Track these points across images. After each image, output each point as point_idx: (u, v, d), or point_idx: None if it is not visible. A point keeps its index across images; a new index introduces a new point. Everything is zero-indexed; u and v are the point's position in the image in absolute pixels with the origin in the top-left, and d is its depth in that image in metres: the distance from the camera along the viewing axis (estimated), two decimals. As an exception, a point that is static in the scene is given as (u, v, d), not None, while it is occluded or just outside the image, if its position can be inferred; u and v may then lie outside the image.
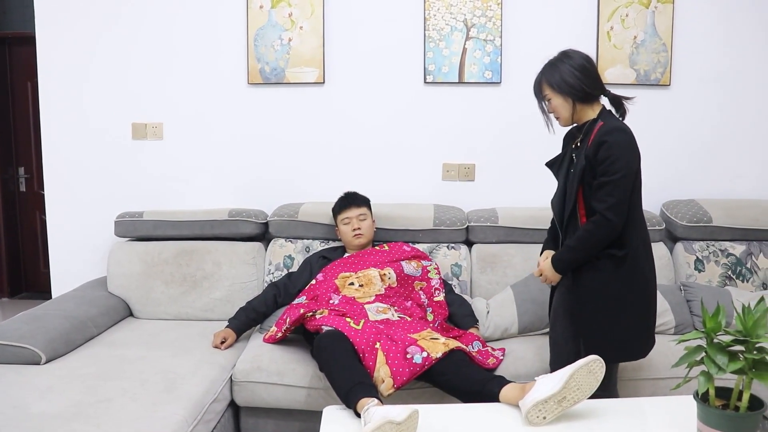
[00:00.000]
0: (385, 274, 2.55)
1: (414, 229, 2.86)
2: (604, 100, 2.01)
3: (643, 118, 2.80)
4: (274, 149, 3.17)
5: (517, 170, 3.08)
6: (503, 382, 1.85)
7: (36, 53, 3.17)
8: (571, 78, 1.92)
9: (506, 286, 2.69)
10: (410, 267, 2.61)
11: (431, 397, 2.12)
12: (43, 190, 3.33)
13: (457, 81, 3.06)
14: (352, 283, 2.52)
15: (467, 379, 1.96)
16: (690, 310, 2.57)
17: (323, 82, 3.10)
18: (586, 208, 1.93)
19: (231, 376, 2.29)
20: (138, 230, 2.96)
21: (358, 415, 1.72)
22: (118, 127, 3.18)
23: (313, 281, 2.58)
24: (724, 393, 1.37)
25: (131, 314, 2.89)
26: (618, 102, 2.01)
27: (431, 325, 2.38)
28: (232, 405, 2.32)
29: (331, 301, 2.43)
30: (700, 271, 2.76)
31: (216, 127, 3.17)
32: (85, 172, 3.21)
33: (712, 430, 1.33)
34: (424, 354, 2.02)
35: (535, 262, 2.20)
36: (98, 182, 3.21)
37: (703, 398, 1.37)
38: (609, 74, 3.00)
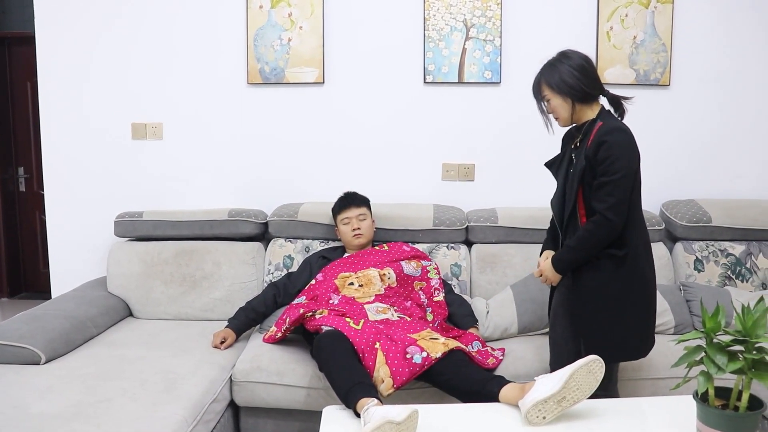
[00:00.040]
0: (384, 274, 2.55)
1: (414, 229, 2.86)
2: (603, 101, 2.01)
3: (642, 118, 2.80)
4: (273, 149, 3.17)
5: (517, 170, 3.09)
6: (503, 382, 1.85)
7: (36, 53, 3.17)
8: (571, 78, 1.92)
9: (506, 286, 2.70)
10: (410, 267, 2.61)
11: (431, 397, 2.12)
12: (42, 190, 3.33)
13: (456, 81, 3.06)
14: (351, 283, 2.52)
15: (467, 379, 1.96)
16: (689, 310, 2.57)
17: (323, 82, 3.10)
18: (585, 208, 1.93)
19: (231, 376, 2.29)
20: (138, 230, 2.96)
21: (358, 415, 1.72)
22: (117, 127, 3.18)
23: (313, 281, 2.58)
24: (723, 393, 1.38)
25: (131, 314, 2.89)
26: (617, 102, 2.01)
27: (431, 325, 2.38)
28: (232, 405, 2.32)
29: (330, 301, 2.43)
30: (699, 271, 2.76)
31: (216, 127, 3.17)
32: (85, 172, 3.21)
33: (711, 430, 1.33)
34: (424, 354, 2.02)
35: (535, 262, 2.21)
36: (98, 182, 3.21)
37: (702, 398, 1.37)
38: (609, 74, 3.00)
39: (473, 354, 2.18)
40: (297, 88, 3.12)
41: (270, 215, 2.99)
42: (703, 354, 1.36)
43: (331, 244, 2.88)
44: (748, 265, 2.75)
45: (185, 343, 2.48)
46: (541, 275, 2.07)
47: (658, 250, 2.74)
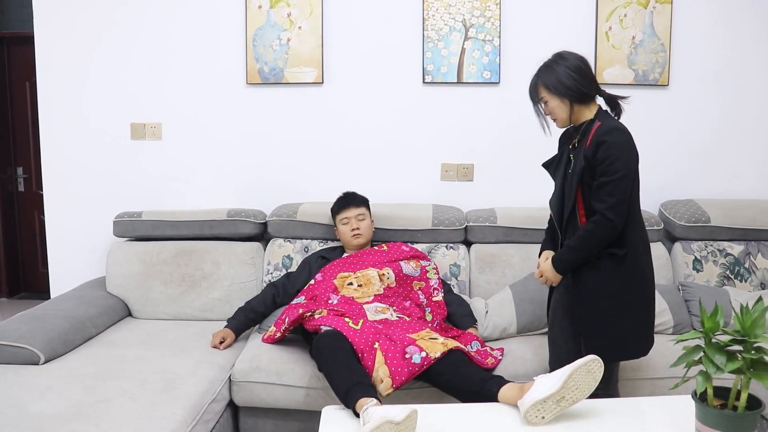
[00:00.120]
0: (383, 274, 2.55)
1: (413, 229, 2.86)
2: (600, 101, 2.01)
3: (641, 119, 2.80)
4: (272, 149, 3.17)
5: (516, 170, 3.09)
6: (502, 381, 1.85)
7: (35, 53, 3.17)
8: (568, 79, 1.92)
9: (505, 286, 2.69)
10: (409, 267, 2.61)
11: (430, 397, 2.12)
12: (41, 190, 3.33)
13: (455, 81, 3.06)
14: (350, 283, 2.52)
15: (466, 379, 1.96)
16: (688, 309, 2.57)
17: (322, 82, 3.10)
18: (585, 209, 1.93)
19: (230, 376, 2.29)
20: (137, 230, 2.96)
21: (357, 415, 1.72)
22: (116, 127, 3.18)
23: (312, 281, 2.58)
24: (722, 393, 1.38)
25: (130, 314, 2.89)
26: (614, 102, 2.01)
27: (430, 325, 2.39)
28: (231, 405, 2.32)
29: (329, 301, 2.43)
30: (698, 270, 2.77)
31: (215, 127, 3.17)
32: (84, 172, 3.21)
33: (710, 430, 1.34)
34: (423, 354, 2.02)
35: (534, 262, 2.21)
36: (97, 182, 3.21)
37: (701, 398, 1.37)
38: (607, 74, 3.01)
39: (472, 354, 2.18)
40: (296, 88, 3.12)
41: (269, 215, 2.99)
42: (701, 354, 1.36)
43: (330, 244, 2.88)
44: (746, 265, 2.76)
45: (184, 343, 2.48)
46: (541, 276, 2.07)
47: (657, 250, 2.74)
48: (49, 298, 3.00)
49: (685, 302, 2.59)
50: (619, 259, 1.90)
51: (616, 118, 2.00)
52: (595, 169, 1.87)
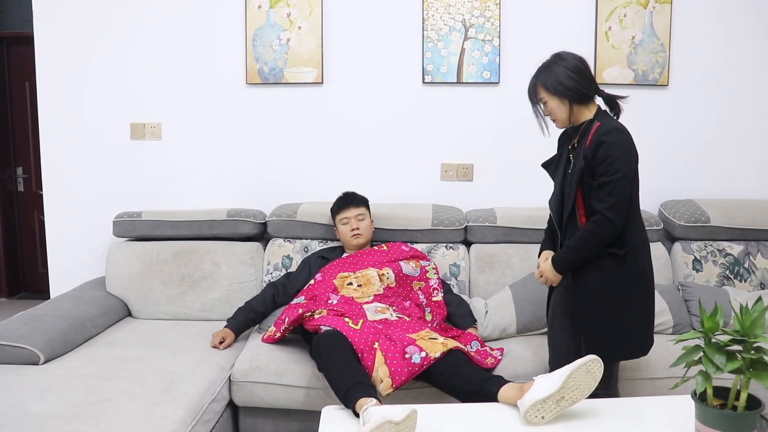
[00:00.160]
0: (383, 274, 2.55)
1: (412, 229, 2.86)
2: (599, 100, 2.01)
3: (641, 119, 2.80)
4: (272, 149, 3.17)
5: (516, 170, 3.09)
6: (501, 381, 1.85)
7: (34, 53, 3.17)
8: (567, 80, 1.92)
9: (504, 286, 2.69)
10: (409, 267, 2.61)
11: (430, 397, 2.12)
12: (41, 190, 3.33)
13: (455, 81, 3.06)
14: (350, 283, 2.52)
15: (466, 379, 1.96)
16: (688, 309, 2.57)
17: (322, 82, 3.10)
18: (585, 209, 1.93)
19: (230, 376, 2.29)
20: (136, 230, 2.96)
21: (357, 415, 1.72)
22: (116, 127, 3.18)
23: (312, 281, 2.58)
24: (722, 392, 1.38)
25: (130, 314, 2.89)
26: (613, 101, 2.01)
27: (430, 325, 2.39)
28: (231, 405, 2.32)
29: (329, 301, 2.43)
30: (698, 270, 2.77)
31: (214, 127, 3.17)
32: (84, 172, 3.21)
33: (710, 430, 1.34)
34: (423, 354, 2.02)
35: (534, 262, 2.21)
36: (97, 182, 3.21)
37: (701, 398, 1.37)
38: (607, 74, 3.01)
39: (472, 354, 2.18)
40: (296, 88, 3.12)
41: (269, 215, 2.99)
42: (701, 354, 1.36)
43: (330, 244, 2.88)
44: (746, 265, 2.76)
45: (184, 343, 2.47)
46: (541, 276, 2.07)
47: (657, 249, 2.74)
48: (48, 298, 3.00)
49: (685, 302, 2.59)
50: (619, 259, 1.90)
51: (615, 118, 2.00)
52: (595, 169, 1.87)
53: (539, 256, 2.14)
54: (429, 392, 2.13)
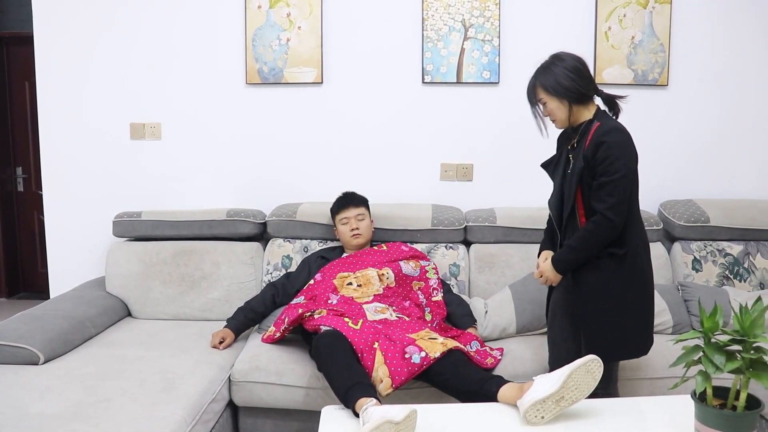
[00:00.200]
0: (383, 274, 2.55)
1: (412, 229, 2.86)
2: (598, 101, 2.02)
3: (640, 119, 2.80)
4: (272, 149, 3.17)
5: (516, 170, 3.09)
6: (501, 381, 1.85)
7: (34, 53, 3.17)
8: (566, 80, 1.92)
9: (504, 286, 2.69)
10: (408, 267, 2.61)
11: (429, 397, 2.12)
12: (41, 190, 3.33)
13: (455, 81, 3.06)
14: (350, 283, 2.52)
15: (465, 379, 1.96)
16: (687, 309, 2.57)
17: (321, 82, 3.10)
18: (584, 209, 1.93)
19: (229, 376, 2.29)
20: (136, 230, 2.96)
21: (357, 415, 1.72)
22: (116, 127, 3.18)
23: (312, 281, 2.58)
24: (721, 392, 1.38)
25: (129, 314, 2.89)
26: (612, 101, 2.02)
27: (429, 325, 2.39)
28: (231, 405, 2.32)
29: (329, 301, 2.43)
30: (697, 270, 2.77)
31: (214, 127, 3.17)
32: (84, 172, 3.21)
33: (709, 430, 1.34)
34: (423, 354, 2.02)
35: (533, 262, 2.20)
36: (96, 182, 3.21)
37: (700, 398, 1.37)
38: (607, 74, 3.01)
39: (472, 354, 2.18)
40: (295, 88, 3.12)
41: (268, 215, 2.99)
42: (701, 354, 1.36)
43: (330, 244, 2.88)
44: (746, 265, 2.76)
45: (184, 343, 2.47)
46: (540, 276, 2.07)
47: (656, 249, 2.75)
48: (48, 298, 3.00)
49: (685, 302, 2.60)
50: (619, 258, 1.90)
51: (614, 118, 2.00)
52: (595, 169, 1.88)
53: (539, 256, 2.14)
54: (429, 392, 2.13)
